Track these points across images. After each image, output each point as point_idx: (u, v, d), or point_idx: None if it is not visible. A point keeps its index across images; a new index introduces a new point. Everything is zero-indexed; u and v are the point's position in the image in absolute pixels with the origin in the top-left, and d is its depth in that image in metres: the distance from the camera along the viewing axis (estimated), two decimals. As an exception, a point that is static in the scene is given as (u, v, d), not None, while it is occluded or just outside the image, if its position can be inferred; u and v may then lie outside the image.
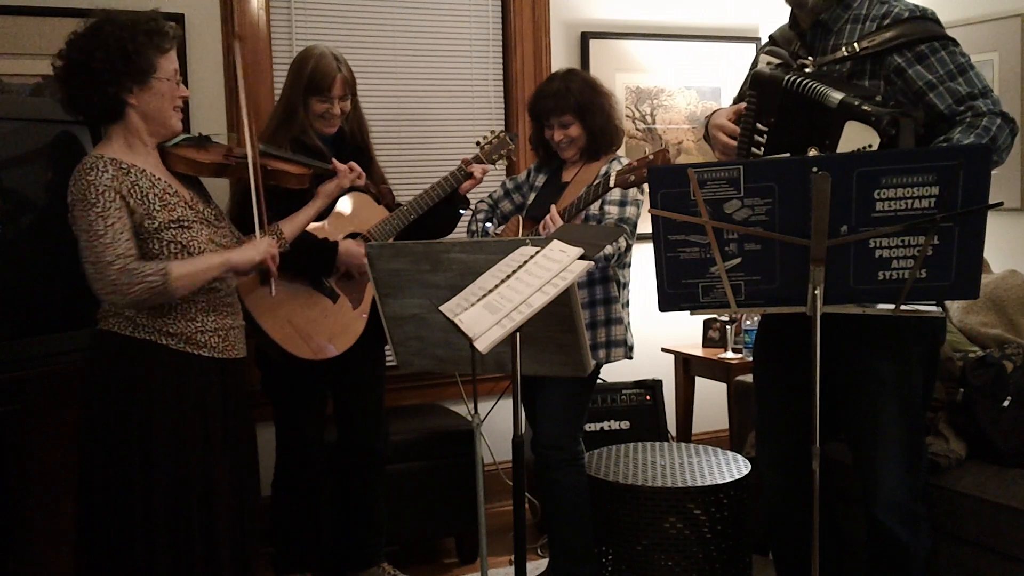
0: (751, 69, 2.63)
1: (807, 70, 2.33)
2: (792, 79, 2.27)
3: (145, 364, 2.31)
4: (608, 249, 2.86)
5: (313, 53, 2.99)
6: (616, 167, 2.99)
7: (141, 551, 2.28)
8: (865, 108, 2.14)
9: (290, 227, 2.65)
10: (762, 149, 2.36)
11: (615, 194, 2.91)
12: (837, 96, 2.18)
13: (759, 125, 2.36)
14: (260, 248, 2.46)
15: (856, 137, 2.15)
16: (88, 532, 2.32)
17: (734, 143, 2.43)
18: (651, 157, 2.77)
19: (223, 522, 2.38)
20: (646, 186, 2.73)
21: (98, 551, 2.30)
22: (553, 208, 2.88)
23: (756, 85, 2.38)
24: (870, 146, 2.14)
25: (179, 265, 2.29)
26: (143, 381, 2.30)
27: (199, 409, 2.35)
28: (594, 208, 2.92)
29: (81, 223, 2.23)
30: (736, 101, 2.64)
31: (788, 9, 2.50)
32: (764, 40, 2.65)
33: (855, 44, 2.32)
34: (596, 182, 2.90)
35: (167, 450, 2.30)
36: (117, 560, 2.29)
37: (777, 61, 2.42)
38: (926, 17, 2.33)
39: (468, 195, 3.20)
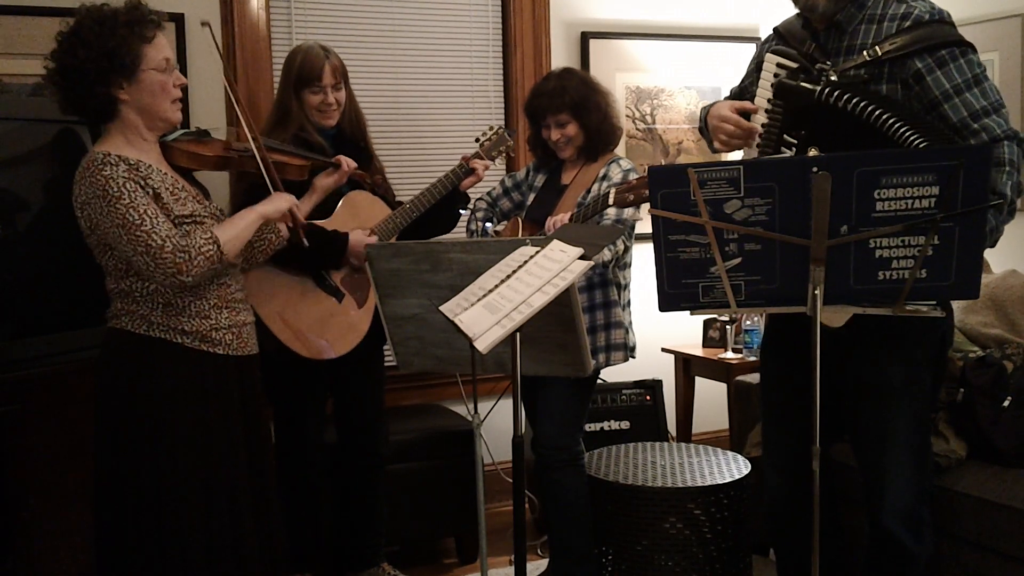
0: (752, 62, 2.61)
1: (833, 77, 2.26)
2: (828, 92, 2.19)
3: (163, 362, 2.29)
4: (606, 254, 2.85)
5: (300, 49, 3.03)
6: (616, 170, 2.99)
7: (172, 550, 2.26)
8: None
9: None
10: None
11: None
12: (923, 145, 2.07)
13: (787, 137, 2.29)
14: (285, 197, 2.47)
15: None
16: (110, 535, 2.30)
17: (738, 141, 2.41)
18: (648, 169, 2.76)
19: (248, 517, 2.37)
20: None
21: (123, 553, 2.28)
22: (567, 214, 2.87)
23: (783, 95, 2.29)
24: None
25: (223, 229, 2.30)
26: (163, 379, 2.28)
27: (220, 406, 2.34)
28: (592, 213, 2.92)
29: (111, 219, 2.18)
30: (737, 95, 2.62)
31: (790, 7, 2.45)
32: (764, 38, 2.61)
33: (876, 48, 2.25)
34: (593, 193, 2.90)
35: (192, 447, 2.28)
36: (145, 561, 2.27)
37: (791, 64, 2.34)
38: (944, 20, 2.27)
39: (469, 195, 3.20)
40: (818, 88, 2.22)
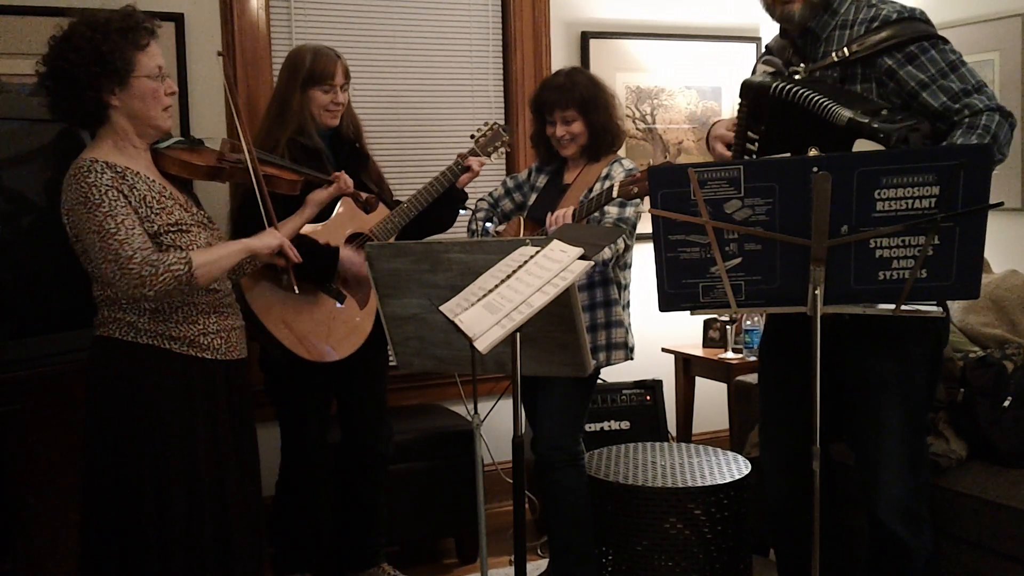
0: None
1: (796, 76, 2.34)
2: (779, 86, 2.27)
3: (151, 369, 2.29)
4: (607, 253, 2.86)
5: (307, 48, 3.02)
6: (618, 170, 2.99)
7: (155, 556, 2.27)
8: (874, 126, 2.12)
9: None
10: (754, 157, 2.36)
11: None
12: (845, 114, 2.15)
13: (750, 133, 2.36)
14: (277, 235, 2.46)
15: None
16: (96, 539, 2.30)
17: (730, 153, 2.44)
18: (648, 168, 2.76)
19: (236, 522, 2.37)
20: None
21: (110, 557, 2.29)
22: (570, 208, 2.87)
23: (745, 94, 2.38)
24: None
25: (200, 253, 2.28)
26: (151, 386, 2.28)
27: (208, 412, 2.34)
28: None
29: (88, 225, 2.19)
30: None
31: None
32: (764, 40, 2.66)
33: (845, 49, 2.31)
34: (598, 192, 2.90)
35: (180, 454, 2.29)
36: (131, 565, 2.27)
37: (771, 70, 2.43)
38: (915, 17, 2.32)
39: (468, 192, 3.20)
40: (773, 84, 2.28)
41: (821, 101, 2.20)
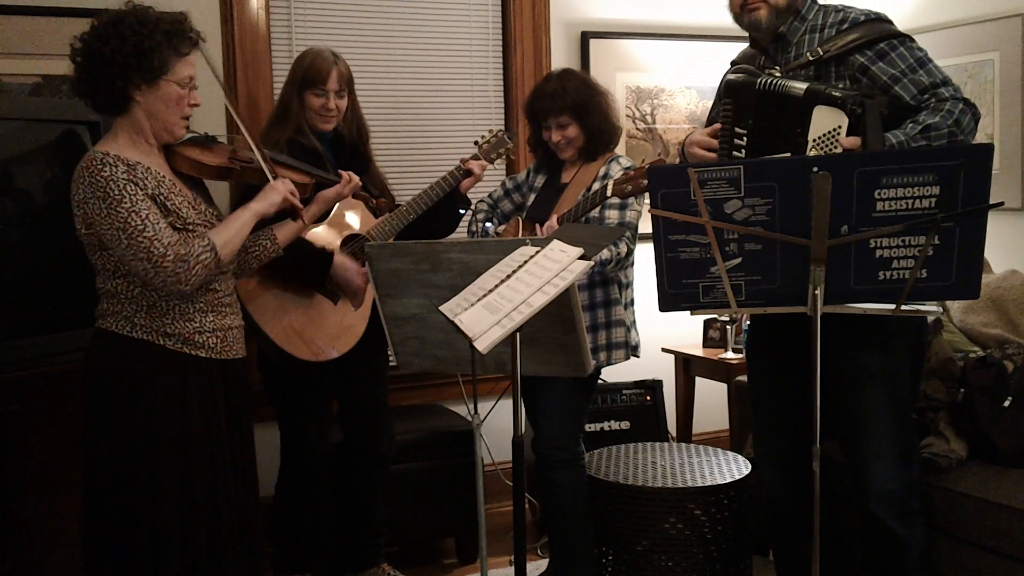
0: (717, 94, 2.66)
1: (776, 74, 2.41)
2: (764, 80, 2.34)
3: (145, 364, 2.29)
4: (605, 254, 2.85)
5: (310, 51, 3.04)
6: (615, 168, 2.99)
7: (149, 550, 2.27)
8: (832, 93, 2.23)
9: (284, 232, 2.60)
10: (743, 152, 2.38)
11: (614, 198, 2.90)
12: (802, 85, 2.27)
13: (737, 129, 2.40)
14: (278, 189, 2.46)
15: (826, 121, 2.22)
16: (95, 533, 2.32)
17: (712, 155, 2.46)
18: (647, 168, 2.76)
19: (229, 521, 2.37)
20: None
21: (106, 551, 2.30)
22: (554, 217, 2.88)
23: (730, 92, 2.42)
24: (839, 127, 2.19)
25: (218, 233, 2.32)
26: (144, 381, 2.29)
27: (202, 409, 2.34)
28: (594, 212, 2.91)
29: (111, 221, 2.20)
30: (709, 123, 2.66)
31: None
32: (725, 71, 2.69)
33: (819, 49, 2.41)
34: (594, 190, 2.90)
35: (173, 449, 2.29)
36: (125, 560, 2.28)
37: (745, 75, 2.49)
38: (880, 19, 2.43)
39: (468, 193, 3.20)
40: (758, 79, 2.36)
41: (782, 82, 2.31)
